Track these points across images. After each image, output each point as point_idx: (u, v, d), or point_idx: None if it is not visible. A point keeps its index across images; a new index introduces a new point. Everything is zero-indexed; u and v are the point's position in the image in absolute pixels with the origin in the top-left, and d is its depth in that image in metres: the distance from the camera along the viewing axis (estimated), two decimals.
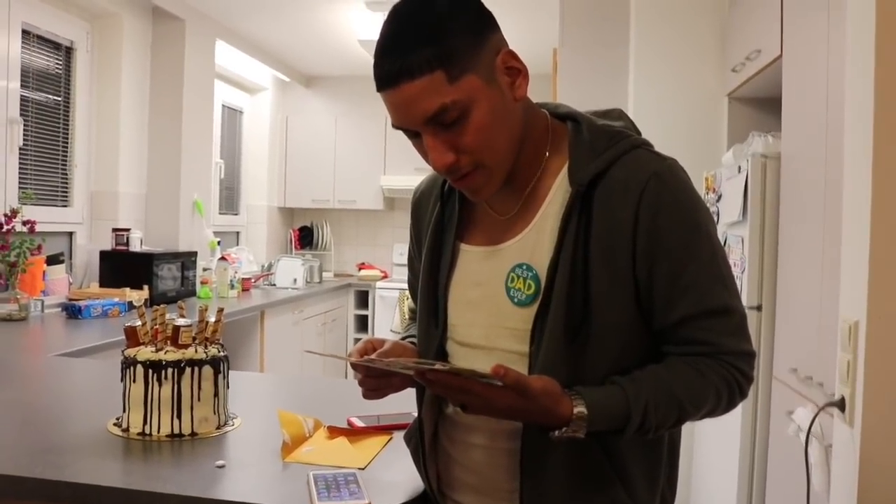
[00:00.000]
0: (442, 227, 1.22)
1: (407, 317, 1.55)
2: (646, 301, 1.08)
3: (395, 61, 1.01)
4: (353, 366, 1.14)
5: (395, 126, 1.07)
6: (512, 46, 1.10)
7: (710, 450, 3.05)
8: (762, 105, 3.25)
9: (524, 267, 1.11)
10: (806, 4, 2.31)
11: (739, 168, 2.70)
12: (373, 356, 1.14)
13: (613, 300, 1.06)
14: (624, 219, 1.05)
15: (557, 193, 1.11)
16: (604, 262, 1.06)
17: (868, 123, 1.44)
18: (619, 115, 1.20)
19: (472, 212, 1.21)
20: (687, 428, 3.28)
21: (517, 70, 1.08)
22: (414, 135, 1.08)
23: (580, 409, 1.00)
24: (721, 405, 1.10)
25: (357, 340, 6.61)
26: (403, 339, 1.33)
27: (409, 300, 1.43)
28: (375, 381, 1.16)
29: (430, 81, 1.00)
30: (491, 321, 1.14)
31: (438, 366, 0.98)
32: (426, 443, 1.24)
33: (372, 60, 1.06)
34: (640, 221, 1.05)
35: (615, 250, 1.06)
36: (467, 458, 1.19)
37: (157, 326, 1.62)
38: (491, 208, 1.18)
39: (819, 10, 2.15)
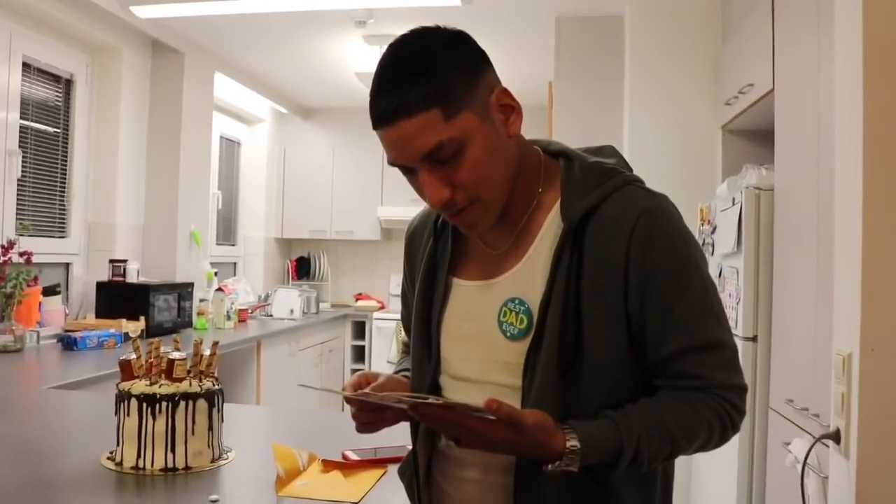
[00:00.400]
0: (435, 261, 1.23)
1: (401, 350, 1.53)
2: (637, 336, 1.08)
3: (392, 99, 1.02)
4: (347, 400, 1.14)
5: (392, 163, 1.08)
6: (507, 79, 1.12)
7: (708, 481, 3.03)
8: (756, 137, 3.28)
9: (516, 301, 1.11)
10: (797, 39, 2.35)
11: (734, 200, 2.72)
12: (366, 390, 1.14)
13: (605, 335, 1.07)
14: (615, 255, 1.06)
15: (549, 229, 1.12)
16: (596, 297, 1.06)
17: (858, 156, 1.45)
18: (612, 151, 1.21)
19: (464, 246, 1.22)
20: (684, 460, 3.28)
21: (511, 107, 1.09)
22: (409, 171, 1.08)
23: (573, 442, 1.00)
24: (713, 439, 1.10)
25: (354, 371, 6.61)
26: (397, 372, 1.33)
27: (403, 334, 1.43)
28: (369, 414, 1.16)
29: (426, 119, 1.01)
30: (484, 355, 1.15)
31: (432, 399, 0.99)
32: (420, 476, 1.23)
33: (368, 92, 1.08)
34: (632, 257, 1.06)
35: (607, 286, 1.06)
36: (461, 493, 1.18)
37: (152, 359, 1.62)
38: (484, 243, 1.19)
39: (809, 44, 2.19)
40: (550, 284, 1.07)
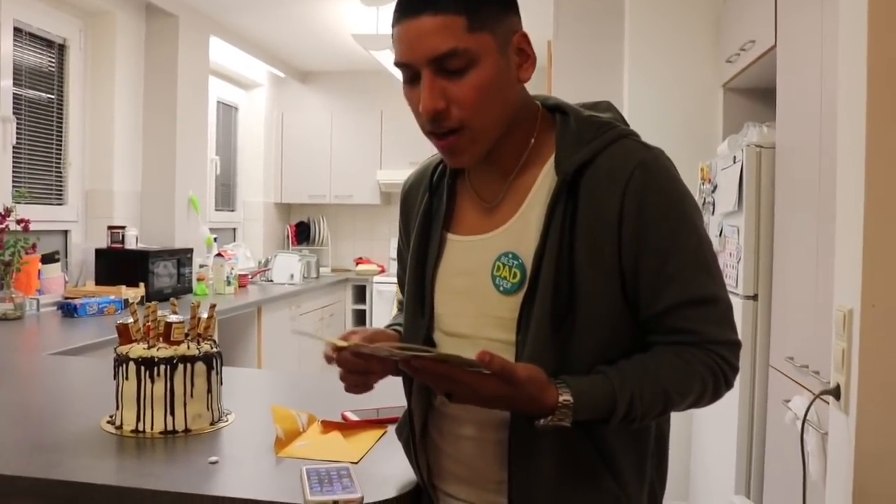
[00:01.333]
0: (430, 217, 1.22)
1: (396, 309, 1.54)
2: (631, 290, 1.08)
3: None
4: (337, 359, 1.13)
5: (399, 61, 1.07)
6: None
7: (708, 439, 3.05)
8: (757, 95, 3.25)
9: (510, 255, 1.11)
10: None
11: (735, 158, 2.70)
12: (356, 340, 1.13)
13: (599, 289, 1.06)
14: (609, 208, 1.05)
15: (544, 182, 1.11)
16: (590, 251, 1.05)
17: (861, 113, 1.44)
18: (608, 106, 1.20)
19: (459, 202, 1.21)
20: (684, 417, 3.29)
21: (527, 55, 1.10)
22: (411, 78, 1.07)
23: (566, 397, 1.00)
24: (706, 394, 1.10)
25: None
26: (388, 326, 1.33)
27: (399, 293, 1.42)
28: (358, 376, 1.16)
29: (450, 22, 1.01)
30: (477, 310, 1.14)
31: (424, 353, 0.98)
32: (416, 434, 1.23)
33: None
34: (626, 211, 1.05)
35: (601, 239, 1.06)
36: (456, 450, 1.19)
37: (149, 323, 1.61)
38: (477, 194, 1.18)
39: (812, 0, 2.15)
40: (544, 238, 1.07)
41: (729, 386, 1.11)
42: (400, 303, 1.39)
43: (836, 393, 1.52)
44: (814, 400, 1.72)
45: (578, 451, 1.08)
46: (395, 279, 6.76)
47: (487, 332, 1.13)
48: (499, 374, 0.96)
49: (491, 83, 1.05)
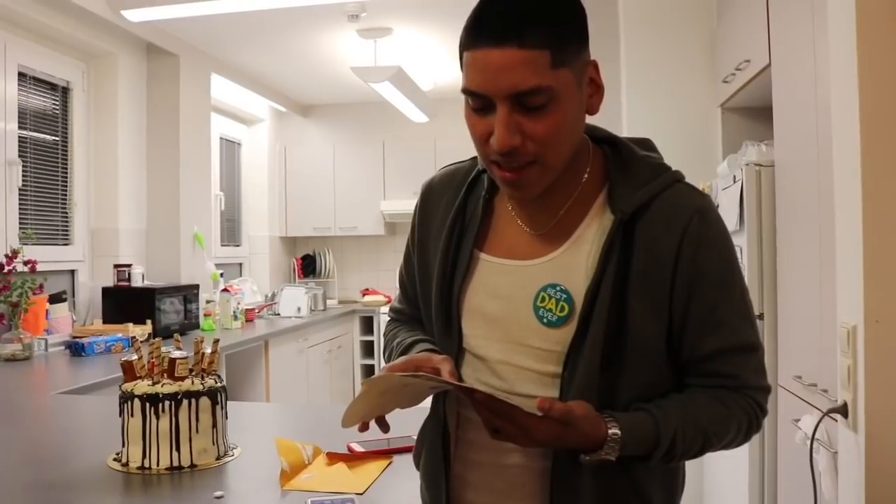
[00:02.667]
0: (460, 230, 1.18)
1: (390, 316, 1.46)
2: (677, 333, 1.08)
3: (511, 23, 0.97)
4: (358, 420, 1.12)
5: (470, 89, 1.01)
6: None
7: (721, 461, 3.02)
8: (754, 114, 3.26)
9: (558, 288, 1.09)
10: (791, 13, 2.32)
11: (735, 177, 2.71)
12: (446, 377, 1.06)
13: (647, 330, 1.06)
14: (666, 252, 1.06)
15: (595, 218, 1.10)
16: (642, 292, 1.06)
17: (854, 128, 1.44)
18: (653, 146, 1.20)
19: (496, 222, 1.18)
20: None
21: (597, 86, 1.07)
22: (482, 107, 1.02)
23: (614, 430, 1.00)
24: (739, 437, 1.11)
25: (364, 367, 6.63)
26: (416, 341, 1.24)
27: (395, 301, 1.40)
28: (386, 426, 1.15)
29: (536, 57, 0.96)
30: (508, 336, 1.12)
31: (480, 390, 0.98)
32: (450, 441, 1.18)
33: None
34: (682, 256, 1.06)
35: (654, 282, 1.06)
36: (486, 480, 1.15)
37: (154, 360, 1.62)
38: (520, 219, 1.15)
39: (804, 17, 2.16)
40: (599, 276, 1.06)
41: (759, 429, 1.13)
42: (394, 311, 1.38)
43: (843, 411, 1.51)
44: (822, 418, 1.71)
45: (616, 487, 1.07)
46: None
47: (520, 361, 1.11)
48: (559, 419, 0.97)
49: (568, 120, 1.02)
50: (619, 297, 1.05)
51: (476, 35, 0.99)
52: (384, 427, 1.15)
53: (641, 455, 1.03)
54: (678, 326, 1.08)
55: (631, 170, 1.11)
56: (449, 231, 1.18)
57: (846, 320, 1.49)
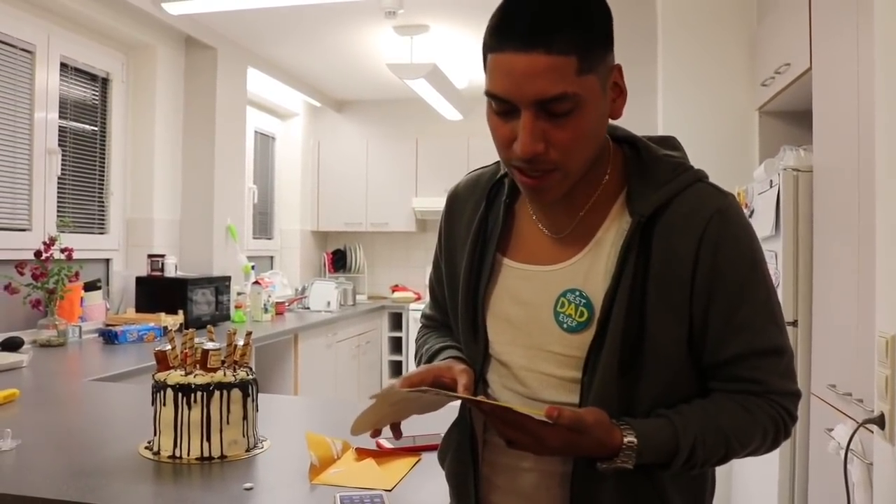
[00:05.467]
0: (484, 237, 1.18)
1: (421, 322, 1.46)
2: (698, 336, 1.06)
3: (538, 28, 0.94)
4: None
5: (494, 93, 0.99)
6: None
7: (750, 470, 2.99)
8: (793, 119, 3.21)
9: (577, 293, 1.07)
10: (834, 17, 2.29)
11: (771, 182, 2.67)
12: (460, 391, 1.07)
13: (667, 334, 1.04)
14: (685, 254, 1.03)
15: (614, 221, 1.09)
16: (661, 295, 1.03)
17: None
18: (676, 144, 1.17)
19: (517, 226, 1.17)
20: None
21: (620, 90, 1.05)
22: (506, 111, 1.00)
23: (630, 438, 0.98)
24: (766, 444, 1.08)
25: (392, 363, 6.65)
26: (444, 348, 1.24)
27: (425, 307, 1.39)
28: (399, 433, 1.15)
29: (562, 63, 0.94)
30: (531, 342, 1.11)
31: (491, 401, 0.98)
32: (478, 442, 1.18)
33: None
34: (701, 258, 1.03)
35: (673, 285, 1.03)
36: (513, 483, 1.14)
37: (187, 350, 1.64)
38: (541, 223, 1.14)
39: (847, 22, 2.13)
40: (617, 280, 1.04)
41: (787, 436, 1.09)
42: (426, 318, 1.37)
43: (880, 422, 1.48)
44: (857, 429, 1.68)
45: (639, 494, 1.06)
46: None
47: (542, 367, 1.10)
48: (569, 426, 0.95)
49: (592, 126, 1.01)
50: (638, 302, 1.03)
51: (502, 38, 0.97)
52: (397, 434, 1.15)
53: (660, 463, 1.01)
54: (699, 330, 1.05)
55: (650, 170, 1.09)
56: (474, 238, 1.18)
57: (884, 329, 1.46)
